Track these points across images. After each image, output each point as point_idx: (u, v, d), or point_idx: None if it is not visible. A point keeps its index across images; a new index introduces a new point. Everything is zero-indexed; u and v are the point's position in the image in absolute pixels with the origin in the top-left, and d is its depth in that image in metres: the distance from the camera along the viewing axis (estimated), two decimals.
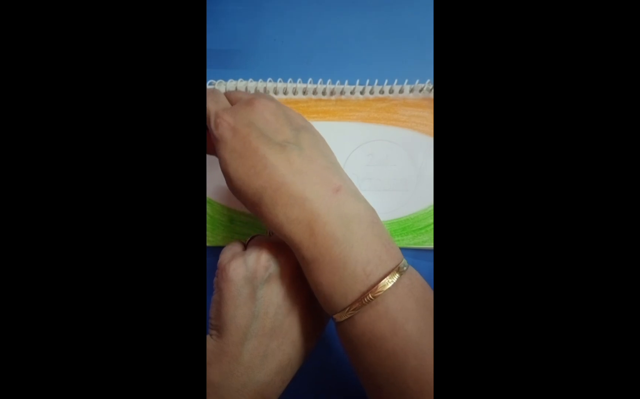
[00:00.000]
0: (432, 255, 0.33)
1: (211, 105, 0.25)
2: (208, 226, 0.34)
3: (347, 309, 0.20)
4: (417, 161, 0.34)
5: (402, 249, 0.33)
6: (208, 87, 0.25)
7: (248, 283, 0.23)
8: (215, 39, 0.37)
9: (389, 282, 0.20)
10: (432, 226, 0.33)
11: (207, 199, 0.34)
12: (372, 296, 0.20)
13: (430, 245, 0.33)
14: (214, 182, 0.35)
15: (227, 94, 0.27)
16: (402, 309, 0.20)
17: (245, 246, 0.26)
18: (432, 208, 0.33)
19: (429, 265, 0.33)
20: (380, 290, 0.20)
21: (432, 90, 0.34)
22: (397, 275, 0.20)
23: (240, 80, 0.35)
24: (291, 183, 0.21)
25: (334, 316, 0.21)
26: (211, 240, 0.34)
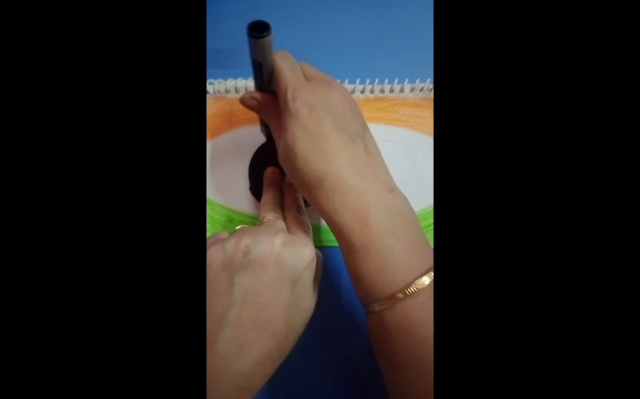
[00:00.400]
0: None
1: (289, 75, 0.24)
2: (208, 226, 0.34)
3: (390, 298, 0.21)
4: (417, 161, 0.34)
5: None
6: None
7: (225, 269, 0.22)
8: (215, 39, 0.37)
9: (427, 279, 0.21)
10: (432, 226, 0.33)
11: (207, 199, 0.34)
12: (416, 288, 0.21)
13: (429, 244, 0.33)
14: (214, 181, 0.35)
15: (300, 65, 0.27)
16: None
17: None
18: (431, 208, 0.33)
19: None
20: (421, 284, 0.21)
21: (432, 90, 0.34)
22: (433, 273, 0.21)
23: (239, 79, 0.35)
24: (354, 174, 0.22)
25: (372, 304, 0.22)
26: None
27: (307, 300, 0.24)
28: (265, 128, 0.32)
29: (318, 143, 0.23)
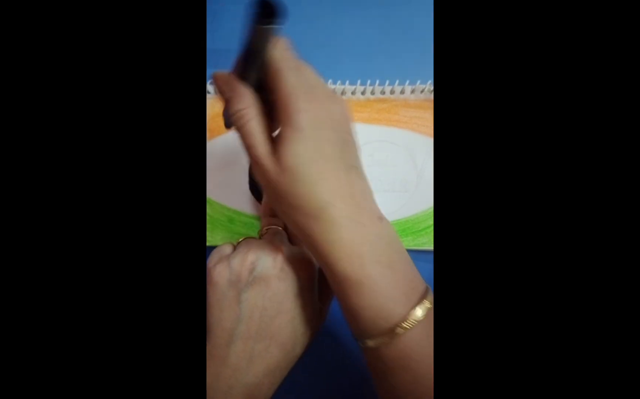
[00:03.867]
0: (431, 256, 0.33)
1: (293, 79, 0.21)
2: (208, 226, 0.34)
3: (388, 332, 0.20)
4: (417, 162, 0.34)
5: None
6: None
7: (232, 286, 0.23)
8: (215, 39, 0.37)
9: (421, 310, 0.20)
10: (432, 227, 0.33)
11: (207, 199, 0.34)
12: (414, 321, 0.20)
13: (429, 246, 0.33)
14: (214, 182, 0.35)
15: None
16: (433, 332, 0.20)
17: (234, 249, 0.25)
18: (431, 209, 0.33)
19: (429, 266, 0.33)
20: (415, 316, 0.20)
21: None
22: (428, 302, 0.21)
23: None
24: (351, 206, 0.21)
25: (368, 340, 0.21)
26: (211, 240, 0.34)
27: (313, 310, 0.25)
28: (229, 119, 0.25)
29: (322, 168, 0.20)
